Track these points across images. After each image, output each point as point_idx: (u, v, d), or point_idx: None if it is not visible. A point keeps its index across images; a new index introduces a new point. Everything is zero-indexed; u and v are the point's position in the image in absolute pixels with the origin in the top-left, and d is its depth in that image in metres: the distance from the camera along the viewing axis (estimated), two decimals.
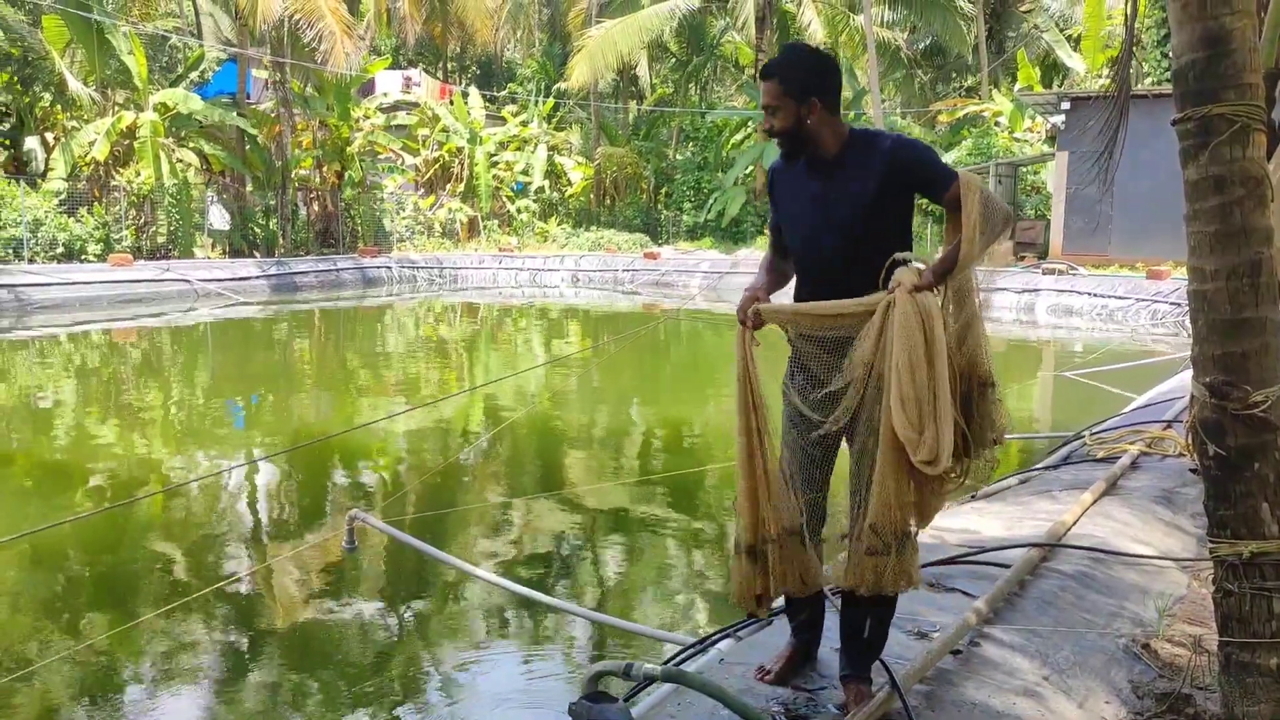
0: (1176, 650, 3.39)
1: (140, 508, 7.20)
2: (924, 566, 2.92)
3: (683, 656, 3.37)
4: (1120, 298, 19.65)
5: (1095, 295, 20.23)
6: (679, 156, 35.77)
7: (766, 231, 3.11)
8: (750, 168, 31.11)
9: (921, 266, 2.68)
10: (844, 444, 2.88)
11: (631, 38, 30.02)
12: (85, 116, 24.69)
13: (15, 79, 24.66)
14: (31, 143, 26.62)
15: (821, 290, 2.83)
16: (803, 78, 2.78)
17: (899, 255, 2.73)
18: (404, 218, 32.29)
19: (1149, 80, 25.13)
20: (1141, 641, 3.43)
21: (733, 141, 33.71)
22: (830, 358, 2.78)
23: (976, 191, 2.66)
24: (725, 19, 34.42)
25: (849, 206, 2.80)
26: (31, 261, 21.53)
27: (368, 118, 30.57)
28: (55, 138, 25.73)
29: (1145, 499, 5.18)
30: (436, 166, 34.11)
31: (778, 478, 2.81)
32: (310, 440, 9.16)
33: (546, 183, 34.91)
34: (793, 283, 3.03)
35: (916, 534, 2.71)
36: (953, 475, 2.68)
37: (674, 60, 37.87)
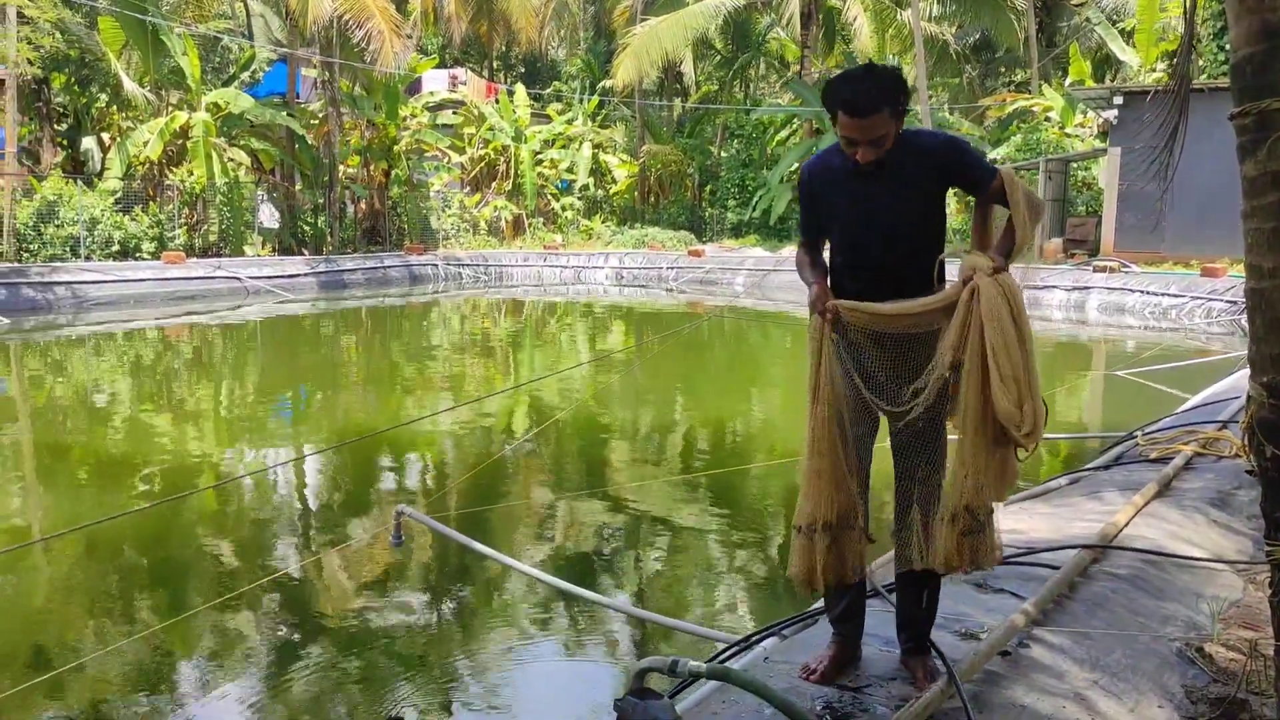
0: (1231, 655, 3.33)
1: (194, 501, 7.34)
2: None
3: (727, 654, 3.37)
4: (1174, 295, 19.27)
5: (1148, 293, 19.87)
6: (723, 154, 35.69)
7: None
8: (796, 165, 30.94)
9: (993, 255, 2.76)
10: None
11: (676, 35, 29.98)
12: (140, 117, 25.18)
13: (73, 80, 25.22)
14: (88, 143, 27.27)
15: (871, 289, 2.87)
16: (902, 97, 2.79)
17: (950, 252, 2.84)
18: (450, 215, 32.54)
19: (1205, 74, 24.61)
20: (1195, 645, 3.37)
21: (778, 139, 33.56)
22: (886, 354, 2.84)
23: (1019, 184, 2.77)
24: (771, 15, 34.26)
25: (898, 207, 2.85)
26: (88, 259, 22.01)
27: (414, 116, 30.86)
28: (111, 138, 26.29)
29: (1199, 501, 5.08)
30: (482, 164, 34.33)
31: (843, 466, 2.86)
32: (359, 436, 9.28)
33: (591, 180, 35.01)
34: None
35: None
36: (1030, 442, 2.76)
37: (719, 57, 37.77)
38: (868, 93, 2.74)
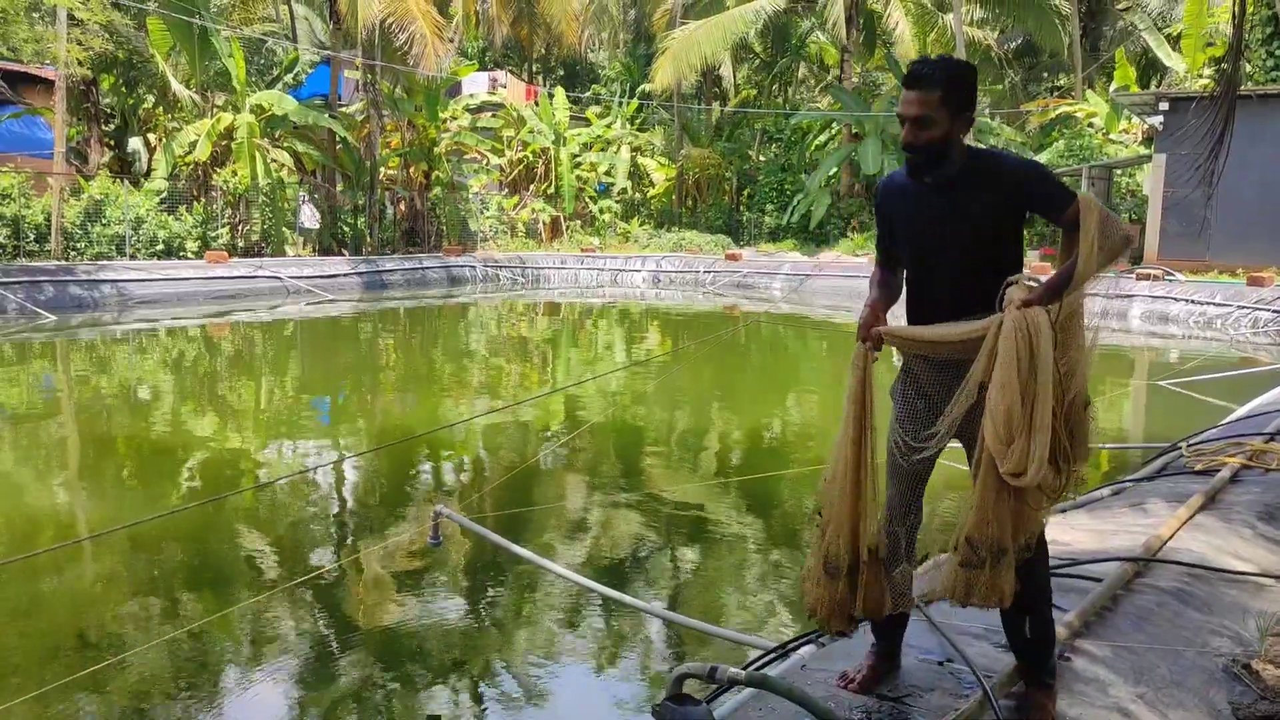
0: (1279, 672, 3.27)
1: (235, 498, 7.43)
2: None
3: (764, 661, 3.36)
4: (1219, 305, 18.96)
5: (1193, 302, 19.56)
6: (762, 158, 35.61)
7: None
8: (836, 170, 30.81)
9: (1034, 284, 2.68)
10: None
11: (715, 39, 29.95)
12: (186, 118, 25.53)
13: (121, 81, 25.62)
14: (135, 143, 27.70)
15: (939, 309, 2.82)
16: (963, 93, 2.73)
17: (1013, 277, 2.72)
18: (488, 217, 32.72)
19: (1253, 80, 24.22)
20: (1242, 662, 3.32)
21: (816, 144, 33.42)
22: (944, 377, 2.79)
23: (1095, 211, 2.65)
24: (811, 19, 34.15)
25: (969, 226, 2.78)
26: (133, 258, 22.37)
27: (455, 118, 31.06)
28: (157, 139, 26.69)
29: (1247, 514, 4.99)
30: (521, 167, 34.49)
31: (866, 495, 2.79)
32: (398, 439, 9.35)
33: (629, 183, 35.06)
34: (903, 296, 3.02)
35: (1015, 551, 2.67)
36: (1050, 490, 2.66)
37: (758, 61, 37.70)
38: (928, 67, 2.74)
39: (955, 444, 2.89)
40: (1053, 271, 2.73)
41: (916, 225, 2.88)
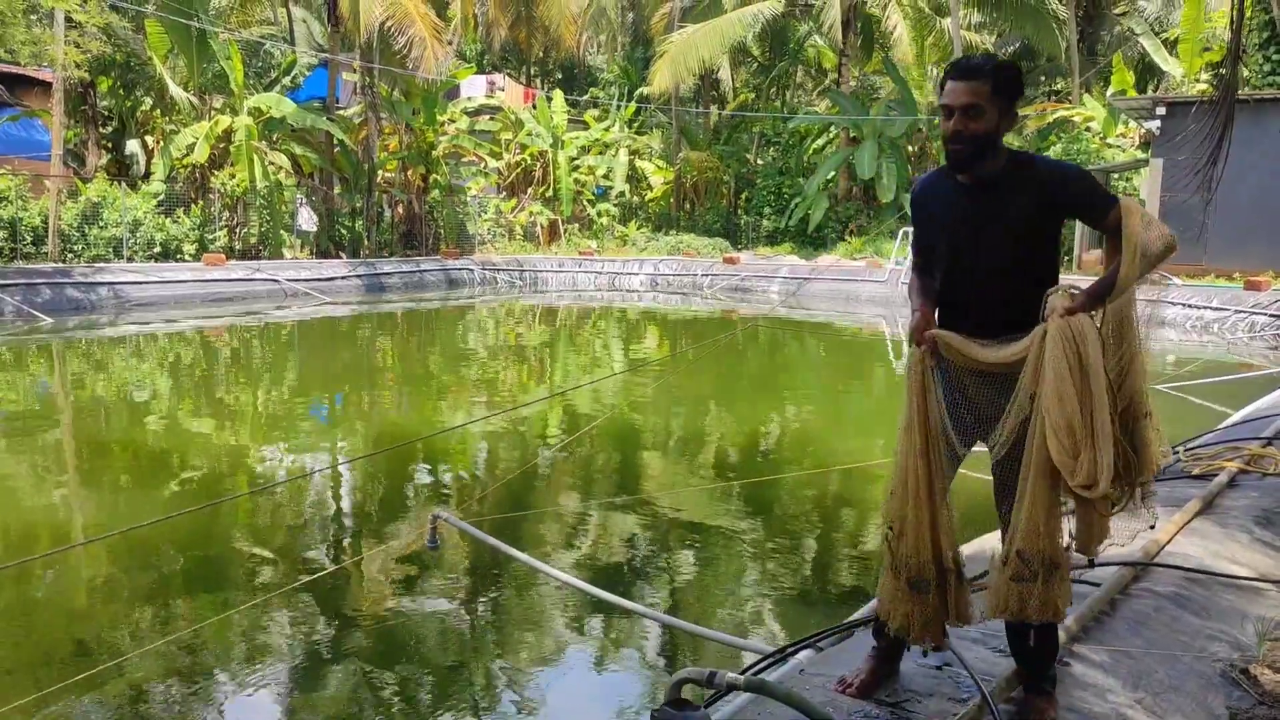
0: (1278, 677, 3.27)
1: (232, 503, 7.41)
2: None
3: (762, 666, 3.35)
4: (1216, 309, 18.98)
5: (1189, 306, 19.58)
6: (760, 161, 35.62)
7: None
8: (833, 173, 30.83)
9: (1074, 292, 2.65)
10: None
11: (713, 42, 29.98)
12: (183, 120, 25.52)
13: (118, 84, 25.59)
14: (132, 146, 27.66)
15: (976, 314, 2.79)
16: (1012, 88, 2.70)
17: (1055, 287, 2.68)
18: (486, 220, 32.72)
19: (1250, 85, 24.25)
20: (1240, 666, 3.32)
21: (814, 147, 33.45)
22: (990, 388, 2.75)
23: (1137, 215, 2.62)
24: (809, 23, 34.18)
25: (1007, 229, 2.73)
26: (130, 260, 22.34)
27: (452, 121, 31.07)
28: (155, 141, 26.67)
29: (1244, 518, 5.00)
30: (519, 170, 34.49)
31: (948, 507, 2.76)
32: (396, 444, 9.34)
33: (627, 187, 35.07)
34: None
35: (1069, 564, 2.65)
36: (1117, 500, 2.63)
37: (756, 65, 37.73)
38: (979, 60, 2.73)
39: (980, 447, 2.86)
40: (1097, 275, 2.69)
41: (951, 227, 2.84)
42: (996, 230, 2.74)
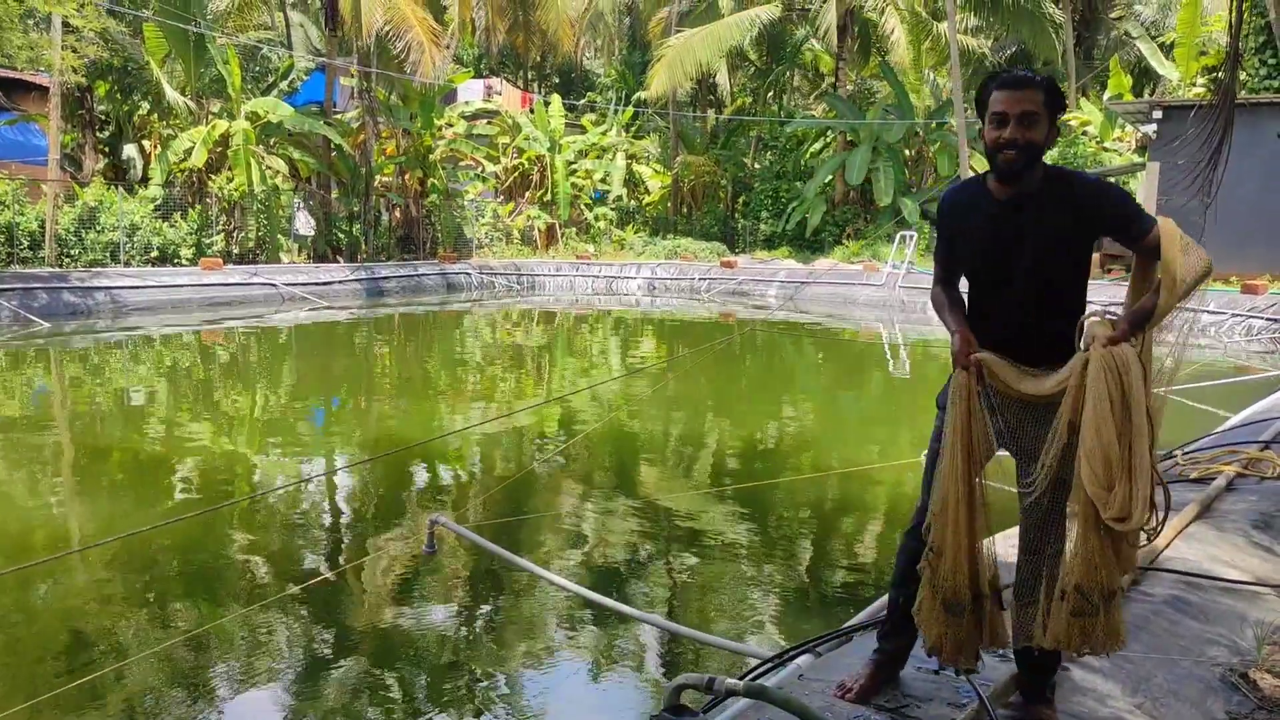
0: (1277, 681, 3.27)
1: (230, 508, 7.40)
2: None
3: (761, 671, 3.34)
4: (1213, 312, 19.01)
5: (1186, 309, 19.58)
6: (757, 165, 35.64)
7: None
8: (831, 177, 30.85)
9: (1114, 318, 2.61)
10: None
11: (711, 47, 30.00)
12: (181, 125, 25.50)
13: (116, 88, 25.57)
14: (130, 150, 27.63)
15: (1009, 332, 2.75)
16: (1059, 101, 2.69)
17: (1091, 312, 2.65)
18: (483, 224, 32.71)
19: (1247, 88, 24.30)
20: (1239, 671, 3.32)
21: (811, 151, 33.48)
22: (1031, 421, 2.72)
23: (1178, 241, 2.58)
24: (806, 28, 34.21)
25: (1041, 244, 2.70)
26: (127, 265, 22.31)
27: (450, 125, 31.06)
28: (152, 145, 26.64)
29: (1242, 522, 5.00)
30: (516, 174, 34.49)
31: (988, 532, 2.73)
32: (394, 448, 9.33)
33: (624, 191, 35.07)
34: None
35: (1122, 590, 2.64)
36: (1151, 529, 2.60)
37: (753, 69, 37.75)
38: (1028, 71, 2.72)
39: (1002, 452, 2.83)
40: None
41: (981, 244, 2.79)
42: (1032, 244, 2.70)
